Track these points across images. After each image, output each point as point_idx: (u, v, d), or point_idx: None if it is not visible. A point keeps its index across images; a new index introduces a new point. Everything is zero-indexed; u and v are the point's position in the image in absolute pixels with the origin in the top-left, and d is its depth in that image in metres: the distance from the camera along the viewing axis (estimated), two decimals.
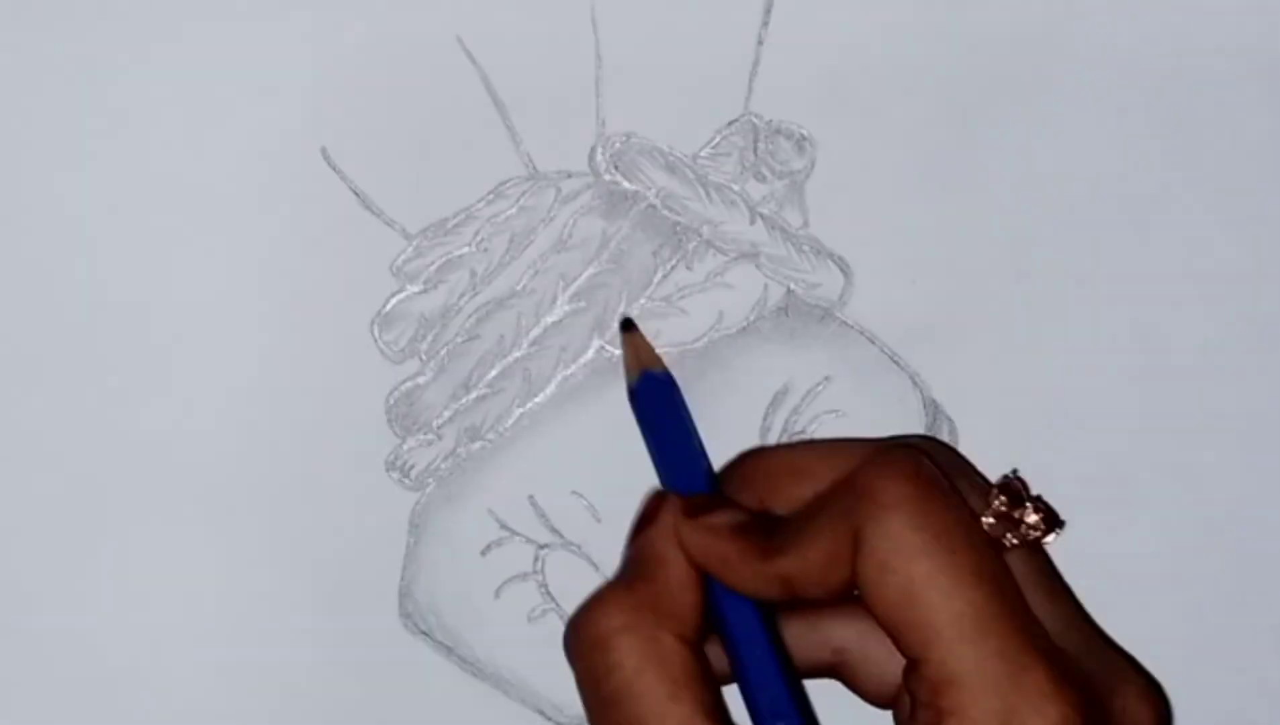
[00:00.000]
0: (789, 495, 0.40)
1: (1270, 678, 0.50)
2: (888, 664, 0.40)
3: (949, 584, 0.36)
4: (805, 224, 0.50)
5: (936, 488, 0.38)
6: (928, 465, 0.38)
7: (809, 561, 0.38)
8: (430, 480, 0.50)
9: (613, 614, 0.38)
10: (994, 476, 0.41)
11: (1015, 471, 0.40)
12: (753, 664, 0.39)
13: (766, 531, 0.39)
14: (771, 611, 0.40)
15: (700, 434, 0.44)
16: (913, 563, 0.36)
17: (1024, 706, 0.35)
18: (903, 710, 0.39)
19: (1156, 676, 0.41)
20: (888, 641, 0.38)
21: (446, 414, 0.50)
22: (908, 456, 0.38)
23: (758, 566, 0.38)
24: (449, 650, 0.50)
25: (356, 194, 0.49)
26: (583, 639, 0.39)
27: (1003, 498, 0.39)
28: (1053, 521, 0.39)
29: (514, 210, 0.50)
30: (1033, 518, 0.39)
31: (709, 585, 0.39)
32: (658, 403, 0.44)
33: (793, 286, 0.50)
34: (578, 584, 0.49)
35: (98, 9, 0.49)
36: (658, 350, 0.46)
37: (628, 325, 0.47)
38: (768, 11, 0.50)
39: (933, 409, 0.50)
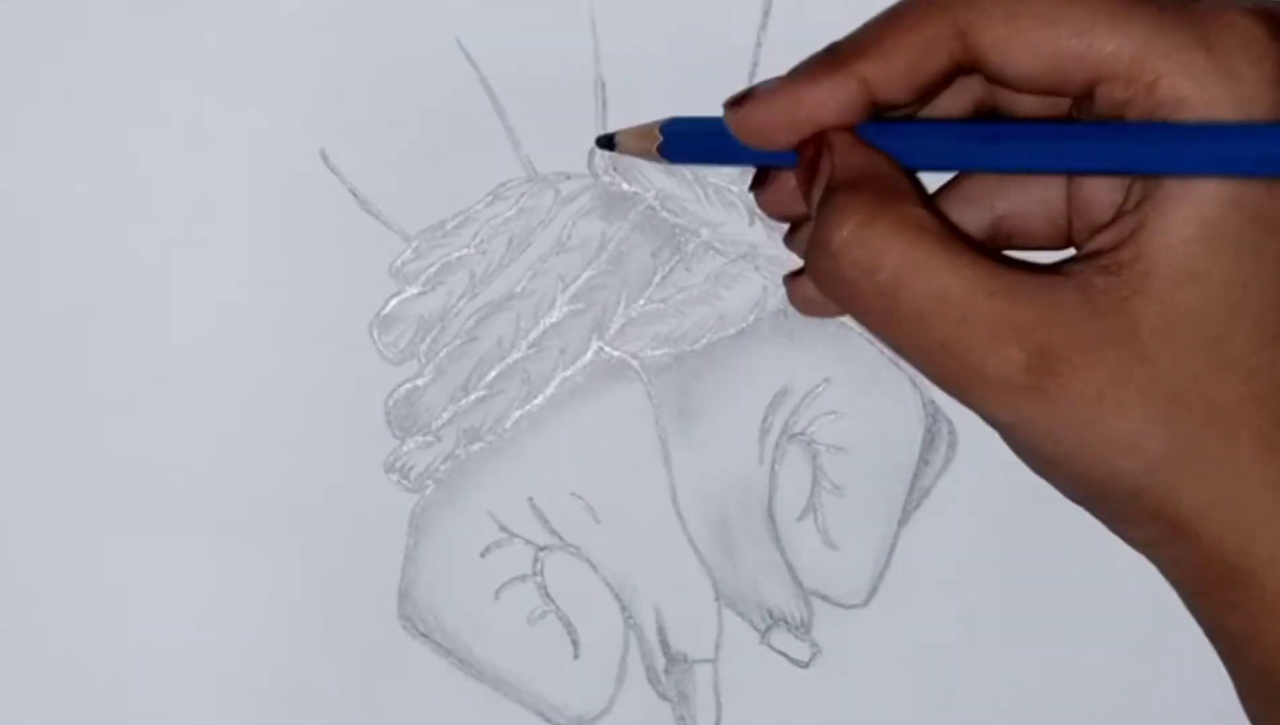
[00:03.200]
0: None
1: None
2: (1048, 208, 0.40)
3: None
4: None
5: None
6: None
7: (895, 59, 0.37)
8: (430, 482, 0.50)
9: (849, 212, 0.36)
10: None
11: None
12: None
13: (832, 48, 0.38)
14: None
15: None
16: None
17: (1223, 32, 0.34)
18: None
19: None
20: (1044, 194, 0.38)
21: (446, 416, 0.50)
22: None
23: (835, 76, 0.38)
24: (448, 652, 0.50)
25: (355, 195, 0.49)
26: (836, 250, 0.36)
27: None
28: None
29: (513, 212, 0.49)
30: None
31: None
32: (686, 139, 0.43)
33: None
34: (577, 586, 0.50)
35: (97, 11, 0.49)
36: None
37: (606, 141, 0.45)
38: (767, 12, 0.50)
39: (932, 410, 0.50)
